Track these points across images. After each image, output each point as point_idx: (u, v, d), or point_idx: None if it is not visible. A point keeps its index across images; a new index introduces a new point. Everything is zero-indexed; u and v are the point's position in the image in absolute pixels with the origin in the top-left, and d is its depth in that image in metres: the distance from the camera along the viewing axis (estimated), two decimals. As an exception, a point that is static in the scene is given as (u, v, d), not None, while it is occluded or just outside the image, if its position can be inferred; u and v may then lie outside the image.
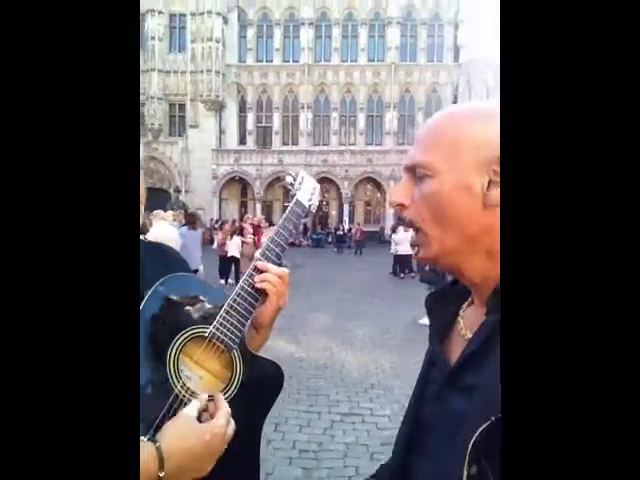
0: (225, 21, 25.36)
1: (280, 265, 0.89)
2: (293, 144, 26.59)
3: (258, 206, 25.54)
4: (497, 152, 0.51)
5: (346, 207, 26.32)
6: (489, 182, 0.53)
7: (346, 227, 23.75)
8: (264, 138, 26.76)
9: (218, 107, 25.56)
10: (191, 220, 7.20)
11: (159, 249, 1.05)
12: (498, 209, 0.52)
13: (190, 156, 25.07)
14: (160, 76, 24.90)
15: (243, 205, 26.96)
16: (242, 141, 26.53)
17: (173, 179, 25.14)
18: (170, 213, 7.49)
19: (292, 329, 6.34)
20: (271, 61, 26.59)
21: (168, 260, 1.00)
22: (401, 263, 12.57)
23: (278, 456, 3.08)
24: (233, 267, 10.19)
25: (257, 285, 0.85)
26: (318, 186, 1.01)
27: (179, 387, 0.78)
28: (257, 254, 0.89)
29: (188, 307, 0.83)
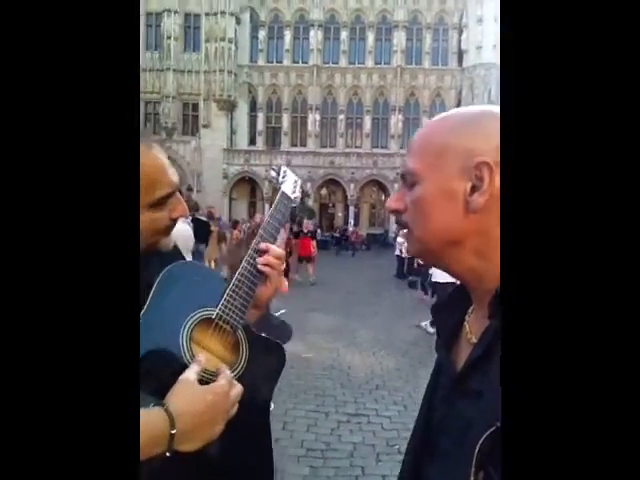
0: (238, 21, 25.56)
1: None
2: (301, 145, 26.81)
3: (267, 206, 25.80)
4: (480, 158, 0.53)
5: (352, 209, 26.51)
6: (472, 187, 0.54)
7: (350, 229, 24.18)
8: (273, 138, 27.00)
9: (230, 107, 25.80)
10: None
11: None
12: (483, 213, 0.54)
13: (202, 155, 25.37)
14: (175, 75, 25.21)
15: (252, 205, 27.25)
16: (252, 141, 26.74)
17: (186, 178, 25.24)
18: None
19: (298, 329, 6.54)
20: (281, 62, 26.78)
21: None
22: (409, 265, 12.87)
23: (286, 454, 3.18)
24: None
25: (260, 267, 0.90)
26: (299, 180, 1.09)
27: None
28: (253, 242, 0.94)
29: (193, 292, 0.86)
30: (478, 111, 0.59)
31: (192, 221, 11.15)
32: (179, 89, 25.51)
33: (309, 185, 24.74)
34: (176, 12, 25.08)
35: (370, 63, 26.81)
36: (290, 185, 1.05)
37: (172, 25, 24.99)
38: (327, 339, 6.31)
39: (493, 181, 0.52)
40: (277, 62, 26.89)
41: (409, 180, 0.60)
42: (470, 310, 0.63)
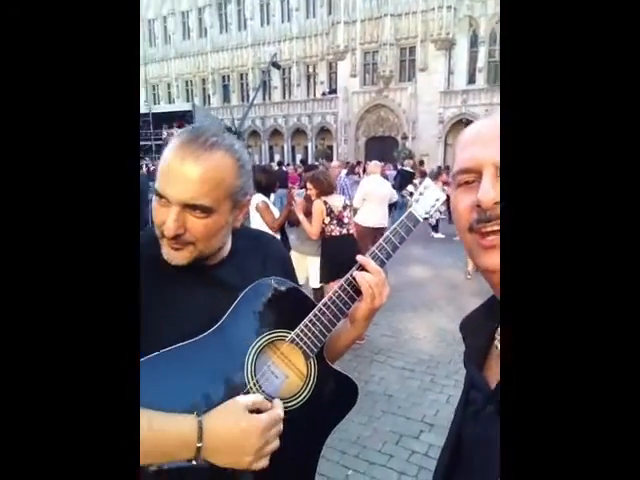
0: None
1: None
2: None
3: (485, 150, 23.96)
4: None
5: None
6: None
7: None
8: (495, 74, 24.24)
9: (448, 45, 24.30)
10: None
11: (263, 239, 1.04)
12: None
13: (418, 101, 24.92)
14: (393, 20, 24.98)
15: (469, 149, 25.57)
16: (471, 79, 24.79)
17: (401, 126, 25.51)
18: (375, 163, 6.06)
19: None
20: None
21: (268, 253, 0.99)
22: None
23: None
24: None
25: (357, 279, 0.85)
26: (443, 197, 0.92)
27: (252, 384, 0.81)
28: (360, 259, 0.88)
29: (272, 311, 0.86)
30: None
31: (398, 172, 11.21)
32: (396, 35, 25.19)
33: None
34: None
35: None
36: (427, 204, 0.91)
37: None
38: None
39: None
40: (506, -17, 23.38)
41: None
42: None
